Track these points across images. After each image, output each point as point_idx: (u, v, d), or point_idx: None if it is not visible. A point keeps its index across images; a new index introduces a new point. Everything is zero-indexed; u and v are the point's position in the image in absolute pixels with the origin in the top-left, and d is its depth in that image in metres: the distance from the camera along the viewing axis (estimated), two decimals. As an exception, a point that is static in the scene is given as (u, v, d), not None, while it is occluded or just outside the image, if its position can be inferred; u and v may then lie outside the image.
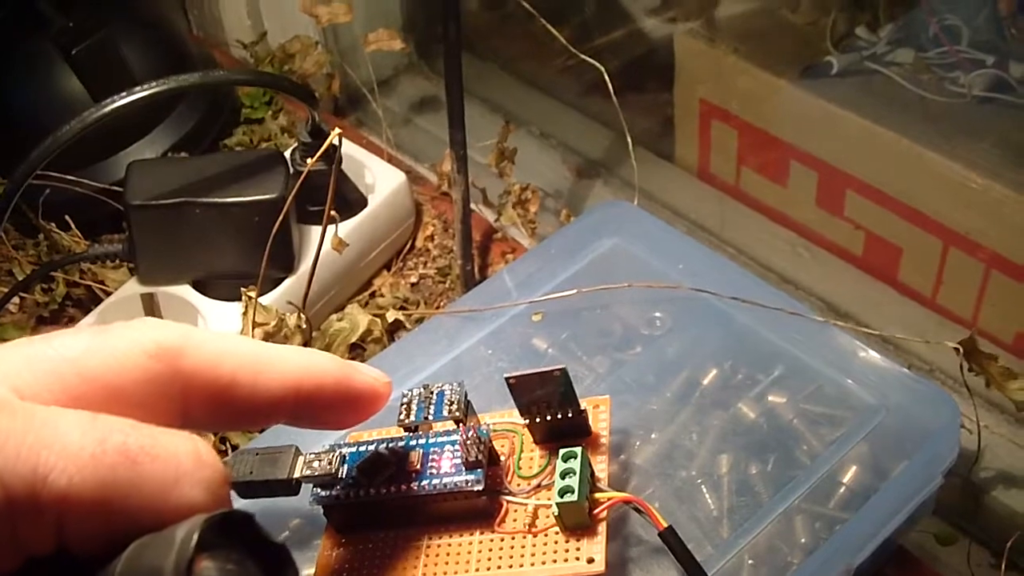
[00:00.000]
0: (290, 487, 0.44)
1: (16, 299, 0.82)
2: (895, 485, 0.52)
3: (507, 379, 0.46)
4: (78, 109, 0.69)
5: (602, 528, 0.45)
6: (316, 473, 0.45)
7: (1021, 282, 0.76)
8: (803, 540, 0.51)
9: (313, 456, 0.45)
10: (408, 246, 0.87)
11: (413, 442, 0.48)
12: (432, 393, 0.48)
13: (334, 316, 0.75)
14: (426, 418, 0.47)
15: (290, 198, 0.70)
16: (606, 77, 0.82)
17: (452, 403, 0.47)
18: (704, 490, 0.53)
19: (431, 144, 1.00)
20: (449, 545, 0.47)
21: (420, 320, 0.77)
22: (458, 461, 0.46)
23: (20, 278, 0.82)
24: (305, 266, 0.76)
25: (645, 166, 0.93)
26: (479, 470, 0.46)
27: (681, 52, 0.94)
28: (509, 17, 1.03)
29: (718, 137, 0.94)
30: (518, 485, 0.47)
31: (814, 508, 0.52)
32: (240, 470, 0.44)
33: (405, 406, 0.48)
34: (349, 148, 0.85)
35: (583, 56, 0.84)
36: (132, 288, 0.78)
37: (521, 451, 0.48)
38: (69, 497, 0.28)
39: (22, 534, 0.28)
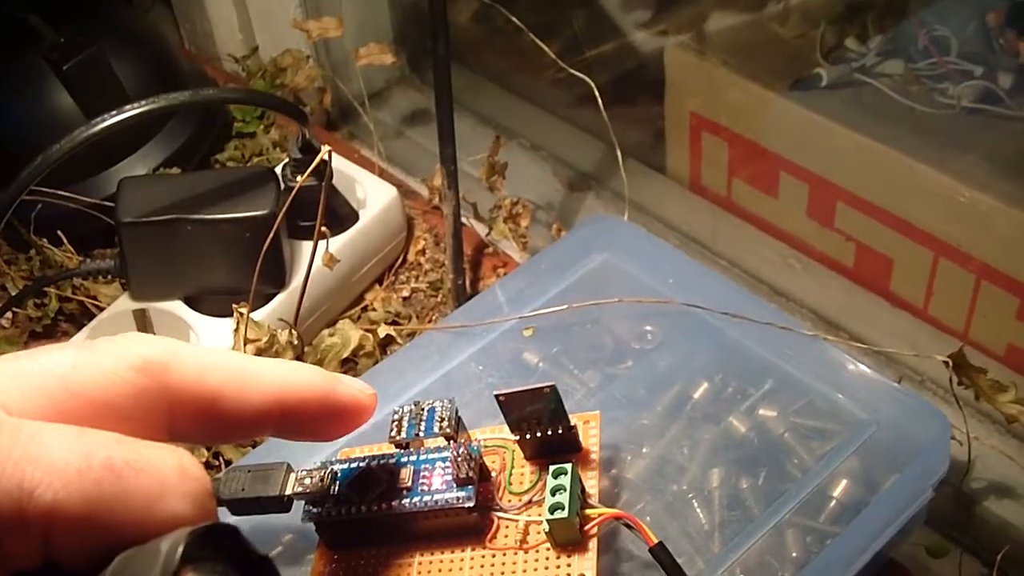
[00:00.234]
0: (282, 504, 0.44)
1: (9, 314, 0.82)
2: (886, 499, 0.53)
3: (497, 396, 0.46)
4: (69, 124, 0.69)
5: (593, 544, 0.45)
6: (308, 490, 0.45)
7: (1012, 293, 0.76)
8: (794, 554, 0.51)
9: (305, 473, 0.45)
10: (400, 260, 0.88)
11: (404, 459, 0.47)
12: (423, 410, 0.48)
13: (326, 331, 0.75)
14: (417, 435, 0.47)
15: (281, 214, 0.70)
16: (595, 91, 0.82)
17: (443, 420, 0.47)
18: (695, 505, 0.53)
19: (423, 157, 1.00)
20: (440, 562, 0.47)
21: (412, 335, 0.77)
22: (449, 478, 0.46)
23: (13, 293, 0.82)
24: (296, 281, 0.76)
25: (636, 178, 0.93)
26: (470, 487, 0.46)
27: (672, 65, 0.94)
28: (500, 31, 1.03)
29: (709, 149, 0.94)
30: (509, 501, 0.47)
31: (805, 522, 0.52)
32: (232, 487, 0.44)
33: (396, 423, 0.48)
34: (340, 163, 0.85)
35: (572, 71, 0.84)
36: (124, 304, 0.78)
37: (512, 467, 0.48)
38: (55, 512, 0.28)
39: (8, 549, 0.28)
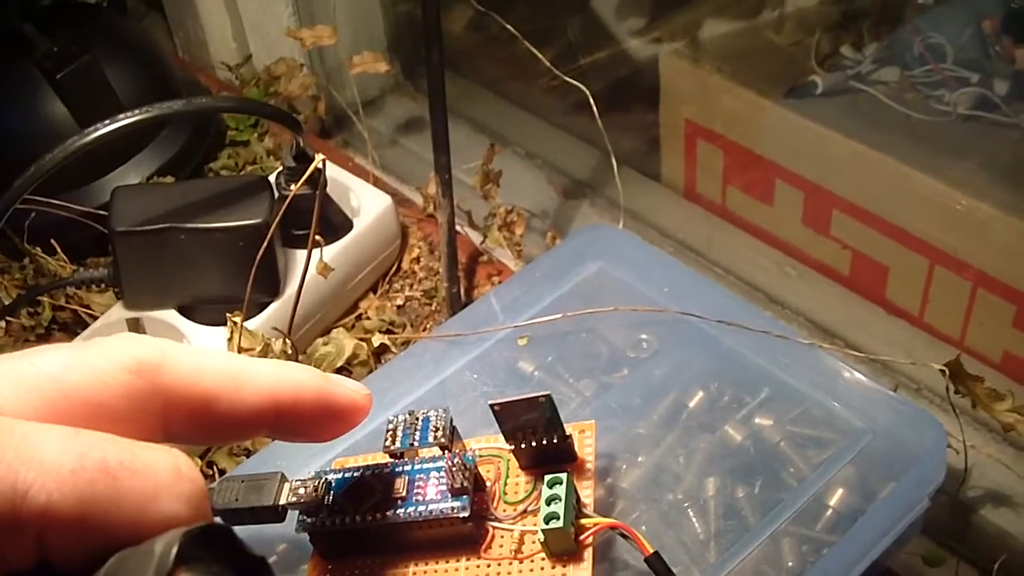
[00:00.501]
0: (276, 514, 0.44)
1: (2, 323, 0.82)
2: (882, 507, 0.52)
3: (491, 406, 0.46)
4: (63, 133, 0.69)
5: (588, 554, 0.45)
6: (302, 500, 0.44)
7: (1008, 301, 0.76)
8: (790, 563, 0.51)
9: (299, 483, 0.45)
10: (394, 269, 0.87)
11: (399, 468, 0.47)
12: (418, 419, 0.47)
13: (320, 340, 0.75)
14: (412, 444, 0.47)
15: (275, 223, 0.70)
16: (590, 99, 0.82)
17: (438, 429, 0.47)
18: (691, 514, 0.53)
19: (417, 165, 1.00)
20: (435, 571, 0.46)
21: (406, 343, 0.77)
22: (444, 487, 0.46)
23: (6, 302, 0.82)
24: (290, 290, 0.76)
25: (631, 186, 0.93)
26: (465, 496, 0.46)
27: (666, 72, 0.94)
28: (494, 38, 1.03)
29: (704, 157, 0.94)
30: (504, 511, 0.47)
31: (801, 531, 0.52)
32: (225, 497, 0.44)
33: (391, 432, 0.47)
34: (334, 171, 0.85)
35: (566, 78, 0.84)
36: (118, 313, 0.78)
37: (507, 477, 0.48)
38: (49, 513, 0.28)
39: (1, 550, 0.28)
